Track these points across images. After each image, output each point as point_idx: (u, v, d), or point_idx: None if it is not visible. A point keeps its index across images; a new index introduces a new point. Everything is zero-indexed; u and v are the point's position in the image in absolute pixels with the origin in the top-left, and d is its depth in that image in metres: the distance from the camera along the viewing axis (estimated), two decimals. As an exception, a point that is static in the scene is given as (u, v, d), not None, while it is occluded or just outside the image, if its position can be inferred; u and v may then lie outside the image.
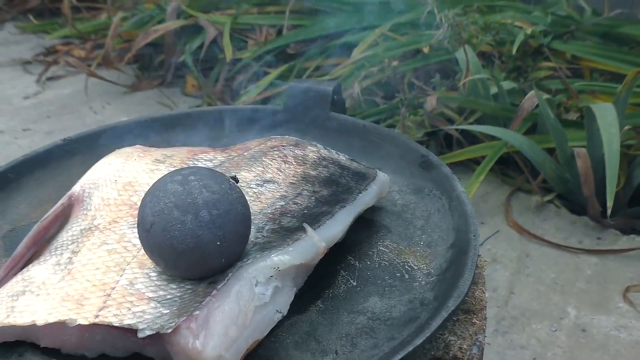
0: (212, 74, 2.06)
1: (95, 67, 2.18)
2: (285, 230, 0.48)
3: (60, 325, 0.43)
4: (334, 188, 0.54)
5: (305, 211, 0.50)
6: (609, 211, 1.32)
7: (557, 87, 1.72)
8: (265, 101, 1.89)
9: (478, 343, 0.46)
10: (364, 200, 0.55)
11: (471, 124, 1.76)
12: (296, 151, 0.58)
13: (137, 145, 0.62)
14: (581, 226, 1.60)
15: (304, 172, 0.56)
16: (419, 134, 1.74)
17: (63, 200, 0.56)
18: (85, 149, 0.68)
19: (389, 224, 0.57)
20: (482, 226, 1.61)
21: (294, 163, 0.56)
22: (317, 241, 0.48)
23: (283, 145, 0.59)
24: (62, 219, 0.55)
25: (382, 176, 0.58)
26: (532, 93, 1.49)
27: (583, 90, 1.68)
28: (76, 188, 0.57)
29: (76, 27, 2.33)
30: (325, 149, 0.60)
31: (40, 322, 0.44)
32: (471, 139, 1.79)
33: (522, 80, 1.70)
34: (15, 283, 0.49)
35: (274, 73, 1.93)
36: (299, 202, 0.51)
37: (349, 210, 0.53)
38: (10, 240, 0.57)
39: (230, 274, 0.44)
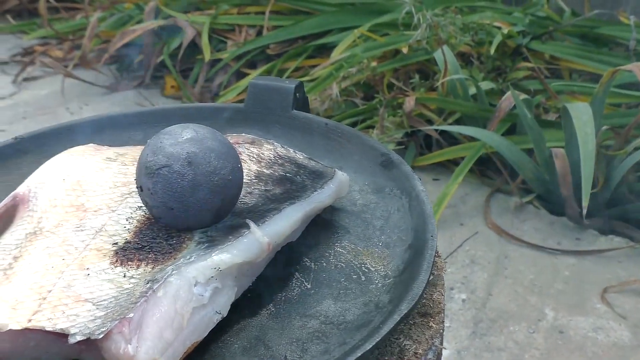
0: (192, 75, 2.04)
1: (73, 67, 2.15)
2: (229, 228, 0.46)
3: (-8, 331, 0.41)
4: (287, 186, 0.53)
5: (253, 210, 0.48)
6: (584, 211, 1.31)
7: (536, 88, 1.72)
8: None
9: (434, 347, 0.44)
10: (319, 198, 0.53)
11: (450, 124, 1.75)
12: (252, 149, 0.56)
13: (90, 144, 0.60)
14: (560, 227, 1.60)
15: (257, 170, 0.54)
16: (398, 135, 1.72)
17: (6, 200, 0.53)
18: (38, 148, 0.65)
19: (347, 224, 0.55)
20: (461, 227, 1.59)
21: (248, 161, 0.54)
22: (259, 237, 0.46)
23: (239, 143, 0.57)
24: (5, 221, 0.53)
25: (340, 175, 0.56)
26: (509, 94, 1.48)
27: (562, 91, 1.67)
28: (21, 188, 0.54)
29: (54, 27, 2.30)
30: (283, 147, 0.58)
31: (-30, 327, 0.41)
32: (450, 139, 1.78)
33: (500, 80, 1.69)
34: (-50, 287, 0.47)
35: (254, 73, 1.92)
36: (248, 201, 0.49)
37: (299, 207, 0.51)
38: (-47, 242, 0.55)
39: (167, 274, 0.42)
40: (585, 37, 1.79)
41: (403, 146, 1.75)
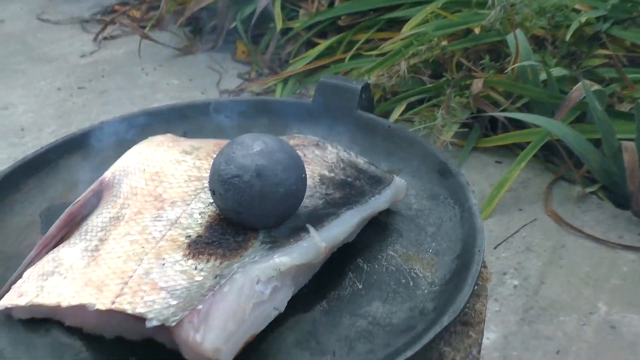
0: (262, 42, 2.08)
1: (150, 29, 2.23)
2: (290, 230, 0.50)
3: (82, 308, 0.47)
4: (347, 191, 0.56)
5: (312, 213, 0.52)
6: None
7: (611, 76, 1.67)
8: (313, 71, 1.90)
9: (471, 356, 0.47)
10: (376, 204, 0.56)
11: (518, 108, 1.73)
12: (316, 152, 0.60)
13: (169, 134, 0.65)
14: (623, 221, 1.58)
15: (320, 173, 0.58)
16: (463, 116, 1.72)
17: (94, 185, 0.59)
18: (121, 133, 0.71)
19: (401, 228, 0.59)
20: (520, 213, 1.60)
21: (311, 164, 0.58)
22: (318, 242, 0.50)
23: (304, 145, 0.61)
24: (93, 203, 0.59)
25: (398, 181, 0.59)
26: (579, 84, 1.46)
27: (640, 81, 1.62)
28: (107, 174, 0.60)
29: (133, -12, 2.37)
30: (345, 150, 0.61)
31: (64, 303, 0.48)
32: (516, 123, 1.76)
33: (574, 67, 1.65)
34: (46, 262, 0.53)
35: (324, 44, 1.94)
36: (308, 204, 0.53)
37: (356, 212, 0.55)
38: (47, 217, 0.62)
39: (233, 272, 0.46)
40: (671, 25, 1.72)
41: (467, 128, 1.75)
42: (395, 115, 1.74)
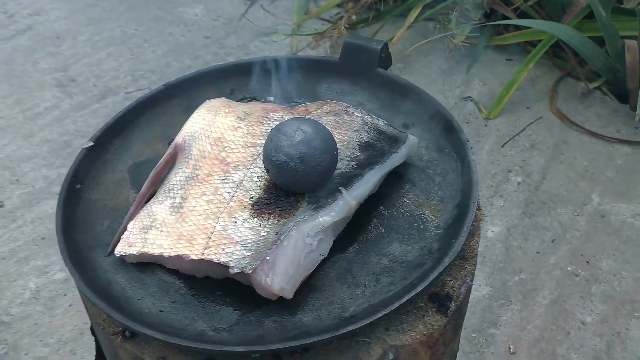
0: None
1: None
2: (328, 192, 0.66)
3: (179, 257, 0.64)
4: (370, 152, 0.71)
5: (343, 175, 0.67)
6: (638, 111, 1.41)
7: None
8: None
9: (466, 284, 0.64)
10: (393, 161, 0.71)
11: (531, 6, 1.80)
12: (345, 117, 0.74)
13: (223, 99, 0.79)
14: (622, 115, 1.70)
15: (349, 137, 0.72)
16: (477, 16, 1.80)
17: (170, 149, 0.75)
18: (182, 92, 0.85)
19: (414, 178, 0.74)
20: (527, 111, 1.73)
21: (342, 129, 0.72)
22: (349, 200, 0.66)
23: (336, 111, 0.75)
24: (171, 164, 0.74)
25: (411, 139, 0.73)
26: (587, -10, 1.53)
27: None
28: (178, 139, 0.75)
29: None
30: (369, 114, 0.75)
31: (165, 254, 0.65)
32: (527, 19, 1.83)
33: (585, -34, 1.70)
34: (144, 217, 0.70)
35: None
36: (339, 166, 0.68)
37: (377, 171, 0.70)
38: (133, 173, 0.78)
39: (289, 229, 0.63)
40: None
41: (478, 28, 1.82)
42: (412, 18, 1.82)
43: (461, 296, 0.64)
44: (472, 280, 0.66)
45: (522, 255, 1.36)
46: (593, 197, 1.50)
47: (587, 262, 1.34)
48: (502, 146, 1.62)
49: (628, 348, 1.18)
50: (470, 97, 1.75)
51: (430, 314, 0.62)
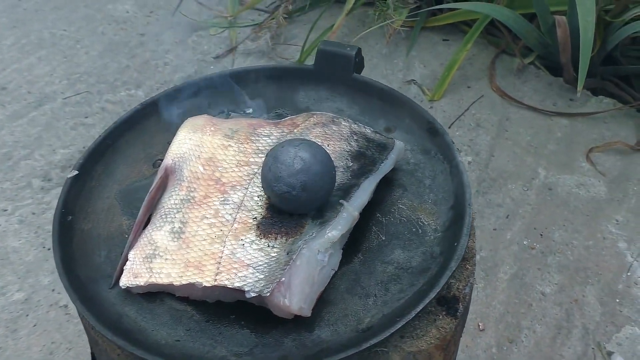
0: None
1: None
2: (330, 206, 0.67)
3: (190, 285, 0.64)
4: (362, 161, 0.73)
5: (340, 187, 0.69)
6: (579, 87, 1.49)
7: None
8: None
9: (470, 284, 0.68)
10: (384, 168, 0.73)
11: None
12: (333, 127, 0.75)
13: (205, 116, 0.79)
14: (557, 88, 1.79)
15: (340, 147, 0.73)
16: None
17: (160, 173, 0.74)
18: (158, 110, 0.83)
19: (404, 182, 0.76)
20: (468, 90, 1.78)
21: (332, 140, 0.74)
22: (352, 211, 0.68)
23: (323, 122, 0.75)
24: (163, 187, 0.73)
25: (399, 145, 0.75)
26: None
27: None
28: (167, 161, 0.74)
29: None
30: (355, 123, 0.77)
31: (176, 283, 0.65)
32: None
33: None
34: (144, 245, 0.69)
35: None
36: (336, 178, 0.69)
37: (372, 179, 0.72)
38: (122, 199, 0.76)
39: (300, 248, 0.64)
40: None
41: (416, 10, 1.85)
42: (349, 4, 1.83)
43: (467, 296, 0.67)
44: (474, 280, 0.69)
45: (480, 233, 1.42)
46: (539, 171, 1.58)
47: (541, 234, 1.41)
48: (449, 127, 1.67)
49: (586, 314, 1.26)
50: (414, 80, 1.79)
51: (440, 317, 0.65)
